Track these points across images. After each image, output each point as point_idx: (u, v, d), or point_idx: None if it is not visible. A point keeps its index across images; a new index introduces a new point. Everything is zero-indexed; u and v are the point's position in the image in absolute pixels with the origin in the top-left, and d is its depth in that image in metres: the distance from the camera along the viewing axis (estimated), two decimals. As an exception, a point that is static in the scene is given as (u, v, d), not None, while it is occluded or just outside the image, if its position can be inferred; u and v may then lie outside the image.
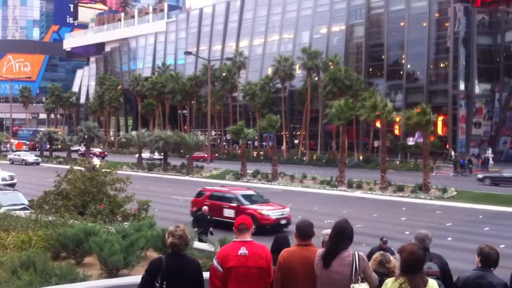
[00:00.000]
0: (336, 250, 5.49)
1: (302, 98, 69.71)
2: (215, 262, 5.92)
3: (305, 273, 5.68)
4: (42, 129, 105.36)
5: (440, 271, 6.38)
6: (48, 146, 71.83)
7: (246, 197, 24.04)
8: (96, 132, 63.96)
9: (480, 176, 43.76)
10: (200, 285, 5.81)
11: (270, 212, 22.67)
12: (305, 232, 5.89)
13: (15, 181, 35.46)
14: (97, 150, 75.32)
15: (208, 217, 19.08)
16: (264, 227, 20.88)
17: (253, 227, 6.12)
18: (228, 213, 22.68)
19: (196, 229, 15.55)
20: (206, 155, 63.53)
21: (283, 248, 6.12)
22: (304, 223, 5.98)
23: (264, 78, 72.85)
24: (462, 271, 6.16)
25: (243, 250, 5.81)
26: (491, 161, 55.52)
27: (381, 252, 6.38)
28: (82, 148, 70.05)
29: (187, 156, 51.92)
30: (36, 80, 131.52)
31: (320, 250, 5.68)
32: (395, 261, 5.95)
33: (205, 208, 19.57)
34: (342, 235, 5.54)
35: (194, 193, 25.78)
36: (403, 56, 67.43)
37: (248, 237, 5.94)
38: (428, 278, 5.09)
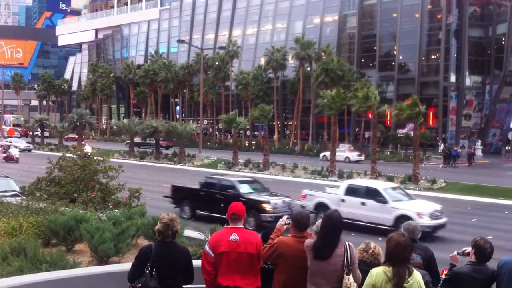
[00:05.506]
0: (331, 243, 5.42)
1: (294, 88, 69.71)
2: (207, 247, 6.00)
3: (296, 266, 5.66)
4: (8, 115, 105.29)
5: (424, 262, 6.42)
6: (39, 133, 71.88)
7: None
8: (87, 119, 63.79)
9: None
10: (189, 272, 5.90)
11: None
12: (302, 223, 5.86)
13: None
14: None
15: None
16: None
17: (245, 216, 6.09)
18: None
19: None
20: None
21: None
22: (301, 214, 5.98)
23: (256, 68, 72.75)
24: (451, 263, 6.14)
25: (234, 236, 5.90)
26: (480, 153, 55.51)
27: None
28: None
29: (180, 145, 52.00)
30: (28, 66, 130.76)
31: (308, 241, 5.60)
32: (378, 248, 5.98)
33: None
34: (335, 227, 5.49)
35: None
36: (395, 48, 67.52)
37: (239, 224, 6.01)
38: (414, 269, 5.06)
